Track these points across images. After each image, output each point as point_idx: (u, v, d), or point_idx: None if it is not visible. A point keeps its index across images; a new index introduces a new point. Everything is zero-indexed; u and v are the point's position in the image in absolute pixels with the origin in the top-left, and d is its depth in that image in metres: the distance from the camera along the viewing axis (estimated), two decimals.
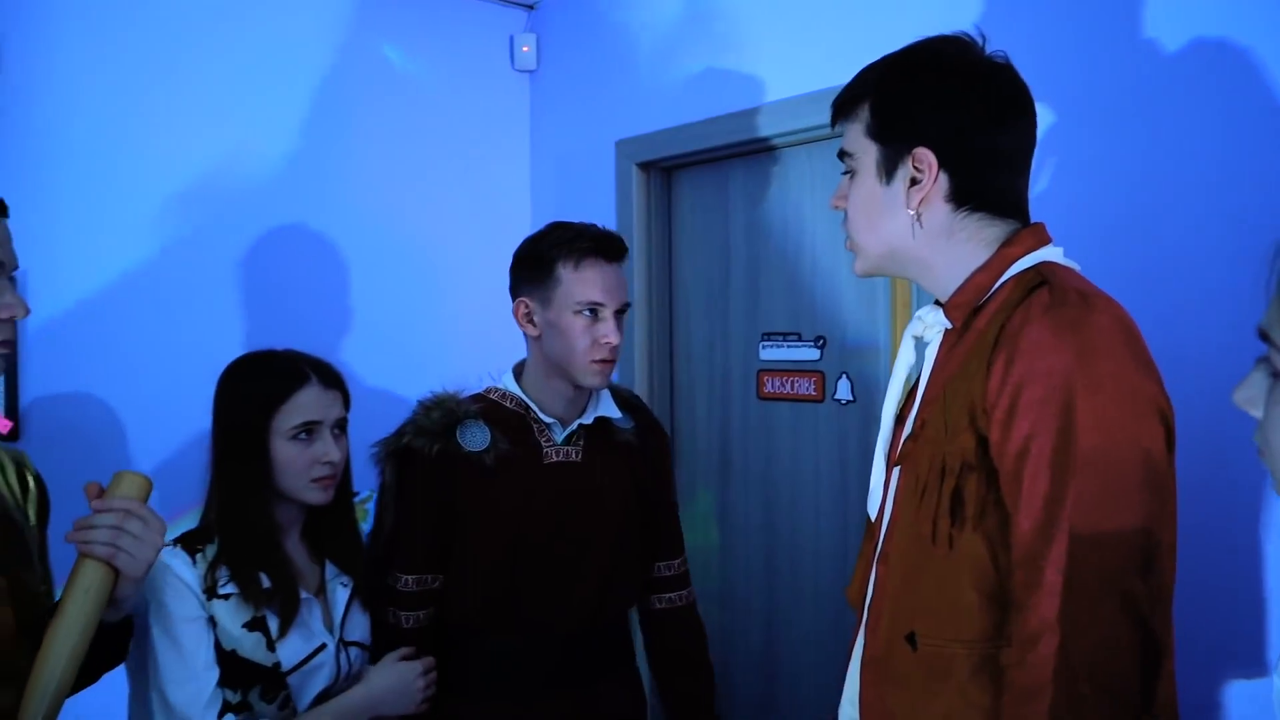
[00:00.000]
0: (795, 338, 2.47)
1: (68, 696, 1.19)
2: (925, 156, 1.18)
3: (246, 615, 1.51)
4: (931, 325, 1.25)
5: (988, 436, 1.09)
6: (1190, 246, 1.67)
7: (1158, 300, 1.66)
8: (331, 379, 1.63)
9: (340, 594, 1.65)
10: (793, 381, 2.48)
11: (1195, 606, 1.65)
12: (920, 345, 1.28)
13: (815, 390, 2.42)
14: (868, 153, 1.23)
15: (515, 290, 1.82)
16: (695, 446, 2.71)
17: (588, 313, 1.73)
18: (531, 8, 3.05)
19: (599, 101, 2.86)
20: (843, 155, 1.27)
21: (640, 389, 2.69)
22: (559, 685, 1.79)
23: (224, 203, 2.52)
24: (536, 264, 1.77)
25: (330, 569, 1.66)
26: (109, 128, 2.35)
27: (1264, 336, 0.83)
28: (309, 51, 2.68)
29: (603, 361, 1.75)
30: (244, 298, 2.57)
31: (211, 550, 1.53)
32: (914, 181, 1.19)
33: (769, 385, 2.54)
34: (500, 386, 1.85)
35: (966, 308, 1.19)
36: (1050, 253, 1.19)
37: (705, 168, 2.67)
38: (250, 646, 1.51)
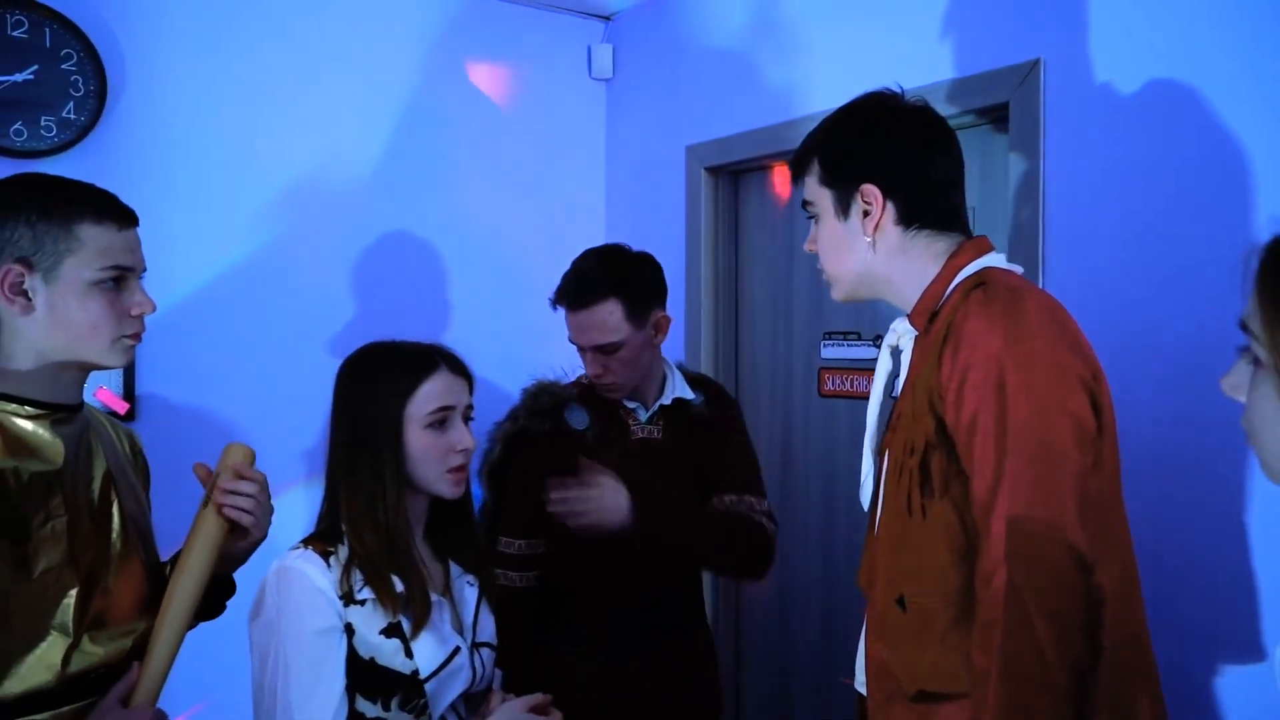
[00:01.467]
0: (855, 337, 2.55)
1: (189, 630, 1.39)
2: (871, 191, 1.37)
3: (383, 621, 1.43)
4: (904, 334, 1.44)
5: (944, 417, 1.27)
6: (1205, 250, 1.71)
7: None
8: (458, 366, 1.56)
9: (468, 594, 1.58)
10: (852, 379, 2.56)
11: (1191, 589, 1.73)
12: (896, 353, 1.48)
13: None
14: (824, 198, 1.43)
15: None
16: (758, 442, 2.79)
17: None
18: (608, 19, 3.18)
19: (671, 108, 2.98)
20: (805, 205, 1.47)
21: None
22: (642, 637, 1.99)
23: (323, 205, 2.72)
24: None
25: (455, 568, 1.59)
26: (220, 137, 2.56)
27: (1244, 328, 0.91)
28: (403, 64, 2.86)
29: None
30: (339, 295, 2.76)
31: (344, 553, 1.44)
32: (865, 213, 1.38)
33: (829, 383, 2.62)
34: None
35: (926, 314, 1.37)
36: (992, 259, 1.37)
37: (770, 172, 2.76)
38: (389, 654, 1.42)
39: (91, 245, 1.31)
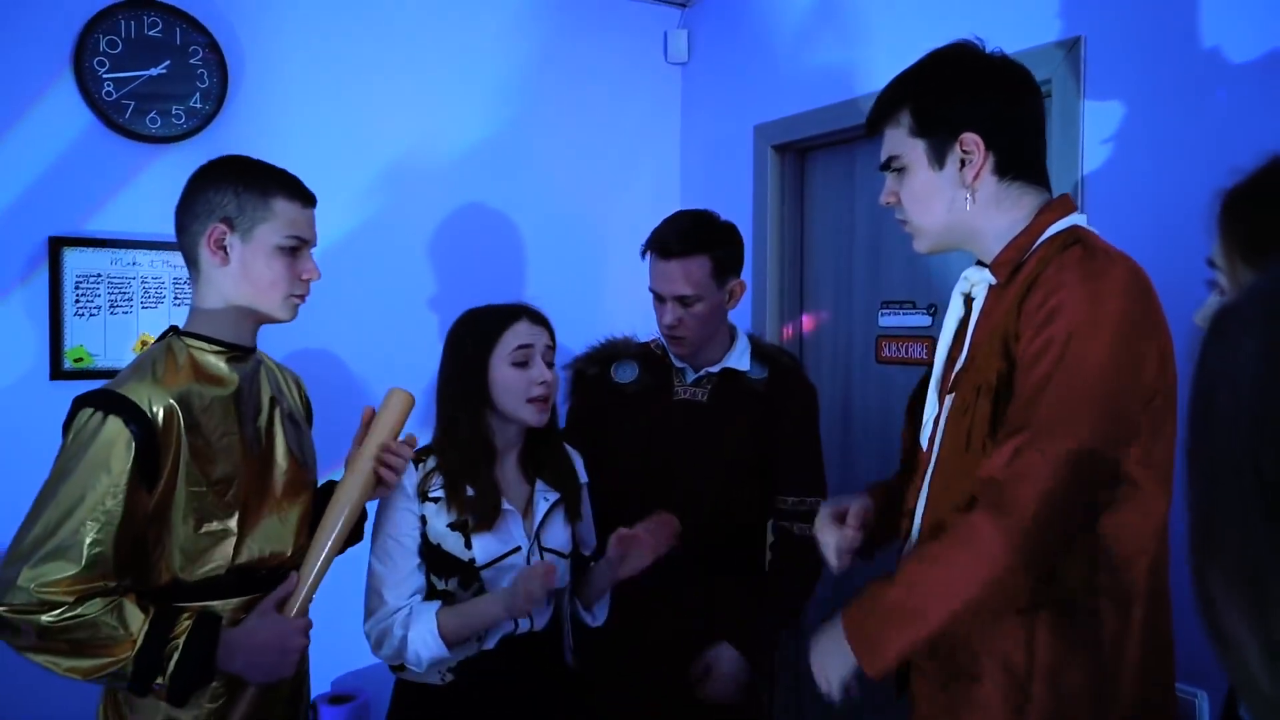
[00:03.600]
0: (910, 306, 2.68)
1: (337, 555, 1.68)
2: (972, 139, 1.38)
3: (450, 518, 1.75)
4: (978, 282, 1.45)
5: (1016, 360, 1.31)
6: None
7: None
8: (539, 317, 1.86)
9: (542, 506, 1.85)
10: (907, 346, 2.69)
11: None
12: (966, 301, 1.49)
13: (926, 354, 2.63)
14: (914, 149, 1.42)
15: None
16: (820, 405, 2.95)
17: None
18: (684, 5, 3.35)
19: (741, 89, 3.14)
20: (889, 160, 1.46)
21: None
22: (684, 579, 2.10)
23: (419, 183, 2.97)
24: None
25: (540, 486, 1.87)
26: (326, 122, 2.83)
27: (1211, 264, 1.05)
28: (492, 53, 3.09)
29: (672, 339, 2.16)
30: (433, 264, 3.02)
31: (430, 462, 1.79)
32: (963, 163, 1.39)
33: (886, 350, 2.76)
34: (660, 339, 2.23)
35: (1010, 264, 1.38)
36: (1078, 218, 1.40)
37: (833, 149, 2.90)
38: (452, 543, 1.75)
39: (282, 216, 1.58)
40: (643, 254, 2.16)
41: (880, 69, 2.62)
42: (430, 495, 1.77)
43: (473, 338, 1.82)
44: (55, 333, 2.47)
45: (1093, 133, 2.08)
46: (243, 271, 1.57)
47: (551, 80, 3.19)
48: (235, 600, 1.55)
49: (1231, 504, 0.38)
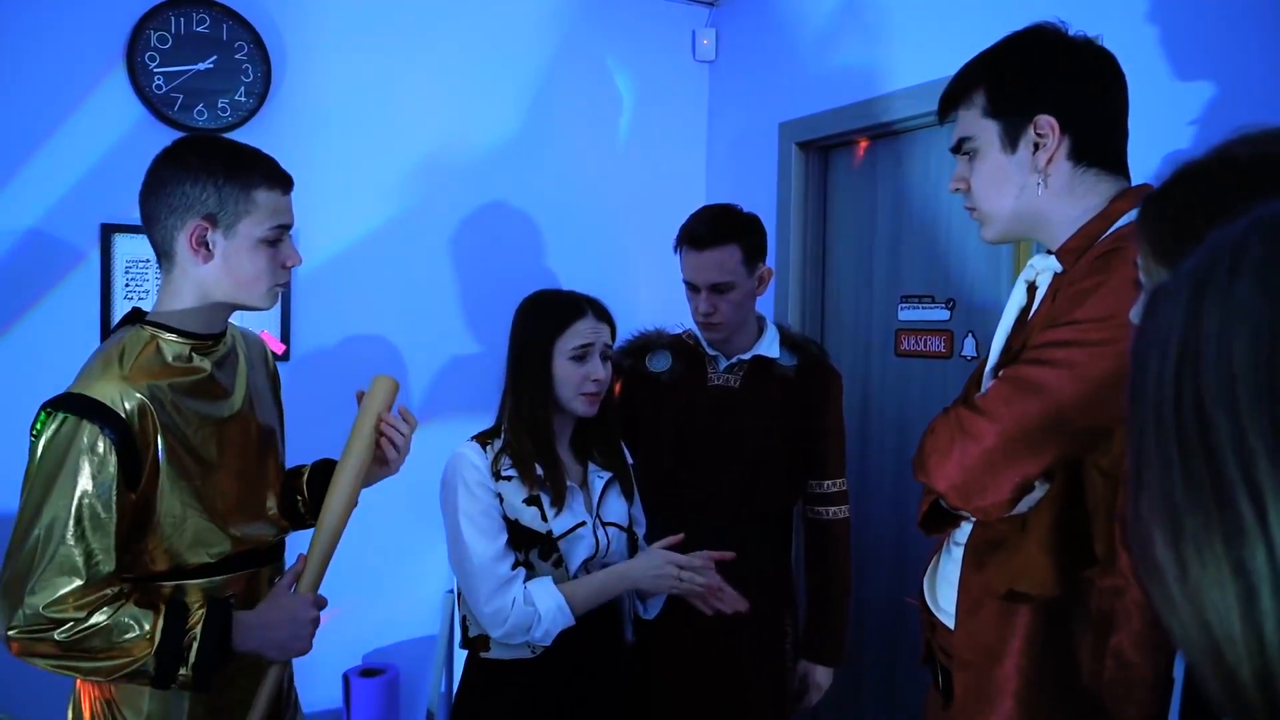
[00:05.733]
0: (929, 300, 2.74)
1: (343, 531, 1.67)
2: (1047, 121, 1.32)
3: (525, 494, 1.84)
4: (1043, 270, 1.39)
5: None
6: None
7: None
8: (602, 313, 1.93)
9: (597, 484, 1.95)
10: (925, 340, 2.75)
11: None
12: (1030, 290, 1.45)
13: (944, 348, 2.68)
14: (988, 131, 1.37)
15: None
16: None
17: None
18: (712, 4, 3.42)
19: (767, 87, 3.21)
20: (960, 143, 1.41)
21: None
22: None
23: (451, 176, 3.07)
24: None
25: (592, 467, 1.97)
26: (364, 116, 2.93)
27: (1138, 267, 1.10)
28: (523, 51, 3.18)
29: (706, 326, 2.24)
30: (460, 257, 3.11)
31: (498, 444, 1.88)
32: (1037, 146, 1.33)
33: (905, 343, 2.81)
34: (692, 329, 2.31)
35: (1079, 252, 1.32)
36: None
37: (856, 146, 2.96)
38: (529, 518, 1.83)
39: (265, 207, 1.50)
40: (675, 249, 2.25)
41: (902, 69, 2.68)
42: (503, 474, 1.85)
43: (539, 326, 1.89)
44: (105, 314, 2.59)
45: None
46: (225, 268, 1.50)
47: (582, 77, 3.27)
48: (237, 574, 1.56)
49: (1153, 448, 0.45)
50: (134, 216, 2.61)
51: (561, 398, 1.88)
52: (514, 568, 1.80)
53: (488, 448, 1.87)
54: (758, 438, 2.23)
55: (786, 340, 2.30)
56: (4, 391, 2.51)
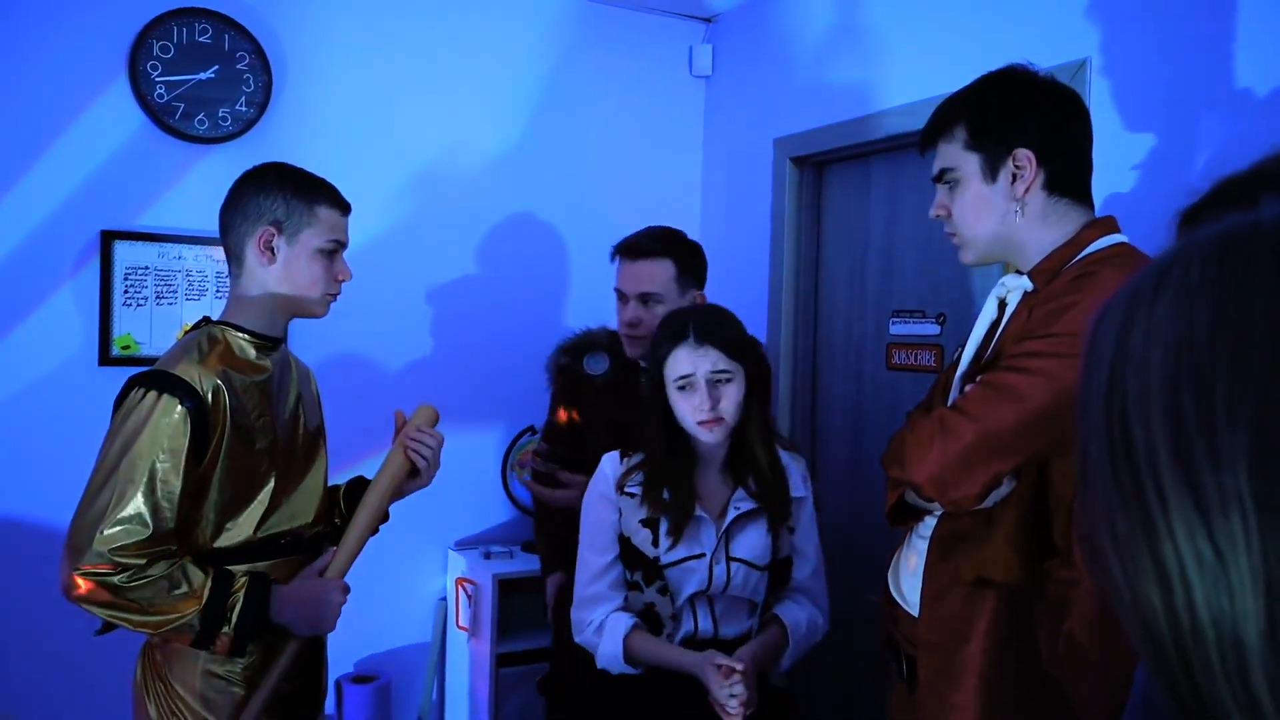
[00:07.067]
0: (920, 315, 2.77)
1: (372, 533, 1.81)
2: (1025, 155, 1.44)
3: (643, 514, 1.81)
4: (1014, 288, 1.51)
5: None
6: None
7: None
8: (704, 335, 1.78)
9: (730, 514, 1.83)
10: (916, 354, 2.78)
11: None
12: (1001, 305, 1.55)
13: (934, 362, 2.71)
14: (969, 162, 1.48)
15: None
16: (832, 409, 3.05)
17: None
18: (709, 20, 3.46)
19: (762, 103, 3.24)
20: (942, 173, 1.52)
21: (785, 358, 3.06)
22: None
23: (448, 189, 3.10)
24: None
25: (739, 494, 1.85)
26: (362, 128, 2.97)
27: None
28: (521, 65, 3.21)
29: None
30: (459, 268, 3.14)
31: (636, 458, 1.86)
32: (1015, 177, 1.45)
33: (897, 357, 2.84)
34: None
35: (1050, 273, 1.44)
36: (1120, 238, 1.46)
37: (850, 163, 3.00)
38: (640, 539, 1.81)
39: (325, 222, 1.73)
40: (611, 258, 2.31)
41: (896, 87, 2.72)
42: (627, 490, 1.84)
43: (654, 354, 1.84)
44: (104, 321, 2.62)
45: (1098, 152, 2.15)
46: (285, 271, 1.71)
47: (579, 92, 3.31)
48: (262, 564, 1.69)
49: (1093, 454, 0.48)
50: (135, 223, 2.66)
51: (684, 426, 1.81)
52: (615, 587, 1.83)
53: (625, 459, 1.88)
54: None
55: None
56: (4, 393, 2.53)
